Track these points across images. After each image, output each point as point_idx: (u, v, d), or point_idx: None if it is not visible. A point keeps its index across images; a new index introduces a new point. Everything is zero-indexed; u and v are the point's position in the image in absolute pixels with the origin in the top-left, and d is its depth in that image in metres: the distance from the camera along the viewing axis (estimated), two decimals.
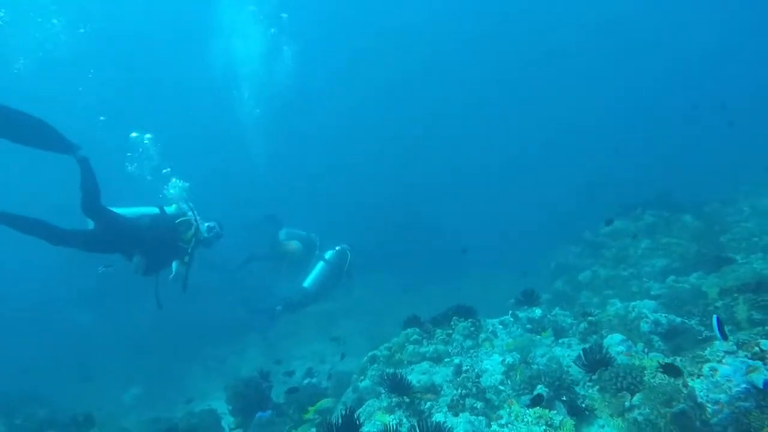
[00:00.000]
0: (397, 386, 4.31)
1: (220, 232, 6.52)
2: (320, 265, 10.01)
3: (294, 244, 10.14)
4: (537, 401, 3.70)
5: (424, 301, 17.08)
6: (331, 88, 28.58)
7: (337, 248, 10.34)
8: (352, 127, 29.72)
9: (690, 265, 8.73)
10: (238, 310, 17.29)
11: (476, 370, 4.81)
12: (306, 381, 8.09)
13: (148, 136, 7.73)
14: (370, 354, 6.27)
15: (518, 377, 4.48)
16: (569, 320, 6.24)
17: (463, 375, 4.69)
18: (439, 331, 6.24)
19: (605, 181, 20.99)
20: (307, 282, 9.80)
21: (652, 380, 3.41)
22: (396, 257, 19.00)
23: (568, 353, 5.18)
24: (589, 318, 5.39)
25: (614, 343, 4.57)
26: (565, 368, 4.66)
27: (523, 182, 26.56)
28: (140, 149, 7.77)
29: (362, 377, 6.03)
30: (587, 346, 5.08)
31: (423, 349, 5.65)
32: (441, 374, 5.07)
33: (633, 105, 31.91)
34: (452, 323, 6.16)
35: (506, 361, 5.12)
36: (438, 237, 20.94)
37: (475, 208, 24.98)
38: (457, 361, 5.42)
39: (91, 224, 5.32)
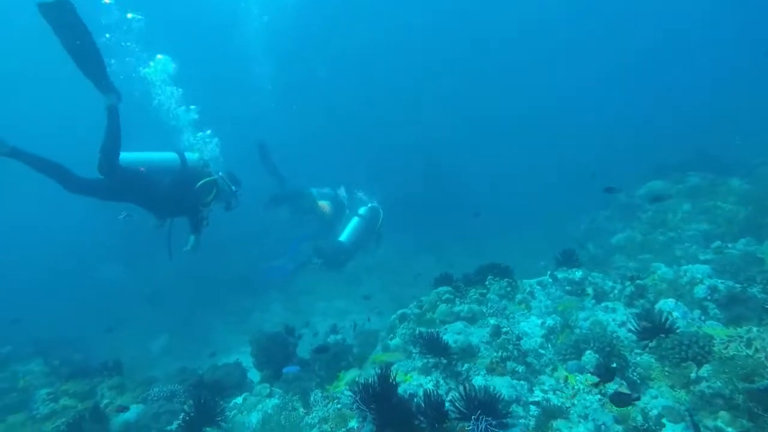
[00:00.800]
0: (434, 346, 4.09)
1: (239, 198, 6.18)
2: (354, 220, 9.74)
3: (325, 204, 9.82)
4: (605, 374, 3.27)
5: (445, 260, 16.95)
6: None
7: (369, 205, 10.04)
8: (374, 77, 28.64)
9: (737, 231, 8.22)
10: (259, 265, 17.46)
11: (516, 332, 4.55)
12: (330, 338, 7.99)
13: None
14: (399, 312, 6.07)
15: (561, 340, 4.21)
16: (610, 283, 5.91)
17: (503, 337, 4.44)
18: (472, 290, 5.99)
19: (636, 141, 19.99)
20: (344, 236, 9.53)
21: (724, 351, 3.09)
22: (417, 216, 18.68)
23: (612, 317, 4.89)
24: (637, 281, 5.04)
25: (666, 309, 4.24)
26: (611, 333, 4.37)
27: (549, 141, 25.56)
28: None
29: (391, 335, 5.86)
30: (636, 310, 4.78)
31: (456, 309, 5.41)
32: (477, 335, 4.84)
33: (667, 54, 29.87)
34: (487, 282, 5.89)
35: (546, 324, 4.86)
36: (461, 196, 20.45)
37: (499, 168, 24.28)
38: (493, 321, 5.18)
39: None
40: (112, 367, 6.59)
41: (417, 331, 4.84)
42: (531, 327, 5.02)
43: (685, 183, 10.49)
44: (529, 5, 26.87)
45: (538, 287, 5.75)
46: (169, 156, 5.57)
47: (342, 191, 10.45)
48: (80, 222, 18.49)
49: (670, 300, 4.29)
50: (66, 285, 16.17)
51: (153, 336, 14.44)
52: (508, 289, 5.68)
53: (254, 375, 7.15)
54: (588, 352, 3.75)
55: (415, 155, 23.25)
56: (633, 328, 4.01)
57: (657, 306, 4.34)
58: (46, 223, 21.35)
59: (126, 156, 5.13)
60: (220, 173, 5.88)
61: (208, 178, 5.59)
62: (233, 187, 6.00)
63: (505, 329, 4.63)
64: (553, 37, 29.06)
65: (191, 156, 5.73)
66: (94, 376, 6.39)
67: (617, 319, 4.82)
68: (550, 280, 5.78)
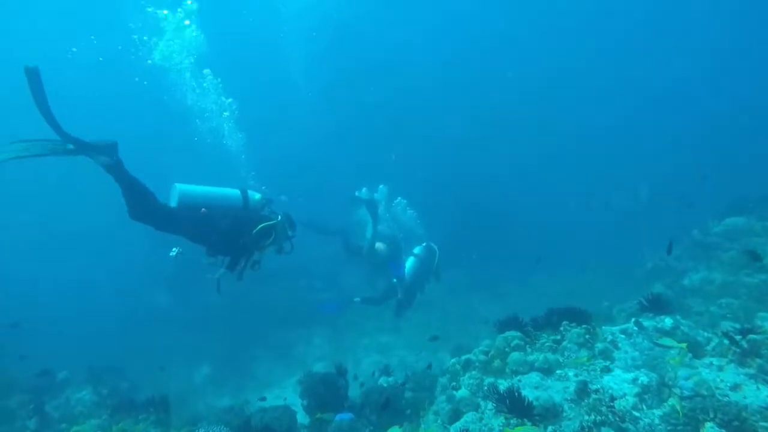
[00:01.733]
0: (516, 404, 3.56)
1: (293, 246, 5.87)
2: (411, 260, 9.38)
3: (380, 246, 9.52)
4: None
5: (496, 300, 16.18)
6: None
7: (423, 244, 9.62)
8: (421, 113, 28.63)
9: None
10: (307, 296, 17.26)
11: (609, 392, 3.94)
12: (382, 379, 7.52)
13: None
14: (463, 357, 5.55)
15: (673, 407, 3.57)
16: (704, 334, 5.19)
17: (594, 396, 3.84)
18: (543, 336, 5.41)
19: (708, 171, 18.67)
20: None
21: None
22: (468, 251, 18.06)
23: (720, 378, 4.19)
24: (750, 336, 4.32)
25: None
26: (737, 403, 3.69)
27: (606, 176, 24.47)
28: None
29: (454, 383, 5.33)
30: (751, 371, 4.08)
31: (530, 358, 4.84)
32: (557, 390, 4.26)
33: (736, 89, 28.17)
34: (561, 328, 5.30)
35: (640, 381, 4.21)
36: (513, 233, 19.67)
37: (553, 204, 23.36)
38: (572, 374, 4.59)
39: (174, 201, 4.92)
40: (158, 403, 6.36)
41: (488, 383, 4.34)
42: (617, 383, 4.38)
43: None
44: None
45: (622, 336, 5.10)
46: (232, 194, 5.33)
47: (398, 233, 10.11)
48: (134, 247, 19.16)
49: None
50: (117, 311, 16.56)
51: (196, 365, 14.38)
52: (587, 336, 5.07)
53: (303, 417, 6.76)
54: (709, 425, 3.12)
55: (465, 187, 22.85)
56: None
57: None
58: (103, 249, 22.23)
59: (189, 190, 4.96)
60: (279, 216, 5.61)
61: (267, 223, 5.34)
62: (289, 232, 5.73)
63: (594, 386, 4.03)
64: (614, 56, 28.09)
65: (253, 195, 5.48)
66: (140, 410, 6.18)
67: (727, 381, 4.12)
68: (636, 328, 5.12)
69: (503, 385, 4.64)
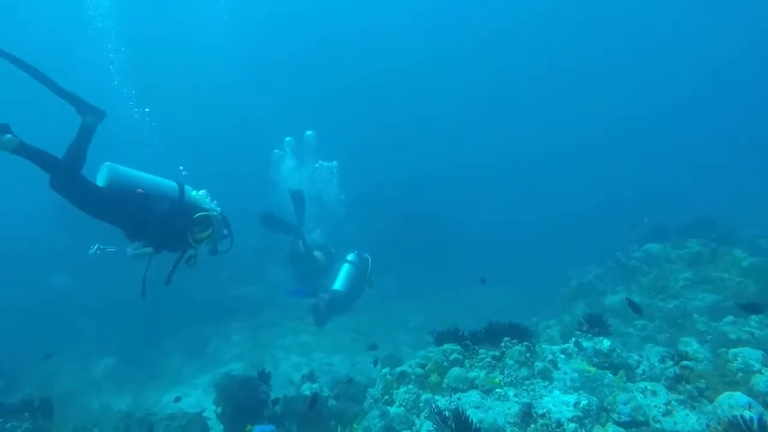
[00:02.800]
0: (462, 428, 3.25)
1: (231, 245, 5.51)
2: (346, 266, 9.09)
3: (318, 254, 9.18)
4: None
5: (427, 307, 16.15)
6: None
7: (355, 251, 9.36)
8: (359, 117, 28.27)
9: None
10: (228, 289, 16.21)
11: (555, 418, 3.75)
12: (305, 386, 6.99)
13: None
14: (397, 370, 5.19)
15: None
16: (635, 357, 5.24)
17: (540, 422, 3.64)
18: (482, 351, 5.21)
19: (628, 199, 20.03)
20: (338, 284, 8.89)
21: None
22: (399, 257, 17.87)
23: (654, 403, 4.17)
24: (684, 362, 4.36)
25: (737, 404, 3.55)
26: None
27: (537, 190, 25.53)
28: None
29: (387, 397, 4.97)
30: (681, 397, 4.09)
31: (471, 374, 4.59)
32: (500, 411, 4.02)
33: (670, 111, 30.16)
34: (503, 345, 5.11)
35: (581, 405, 4.09)
36: (446, 241, 19.82)
37: (483, 213, 23.92)
38: (512, 393, 4.41)
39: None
40: (37, 405, 5.35)
41: (425, 399, 4.02)
42: (556, 404, 4.24)
43: (686, 249, 10.16)
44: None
45: (562, 356, 5.01)
46: (167, 183, 4.88)
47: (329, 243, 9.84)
48: (26, 224, 16.99)
49: (740, 395, 3.60)
50: (6, 293, 14.51)
51: (96, 356, 12.98)
52: (528, 354, 4.92)
53: (215, 425, 6.08)
54: None
55: (398, 193, 22.69)
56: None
57: (722, 400, 3.65)
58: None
59: (120, 169, 4.46)
60: (217, 212, 5.17)
61: (205, 212, 4.92)
62: (225, 230, 5.32)
63: (540, 410, 3.83)
64: (547, 82, 29.45)
65: (190, 190, 5.06)
66: (10, 416, 5.10)
67: (659, 406, 4.11)
68: (575, 348, 5.06)
69: (441, 402, 4.35)
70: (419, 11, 26.31)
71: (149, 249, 4.41)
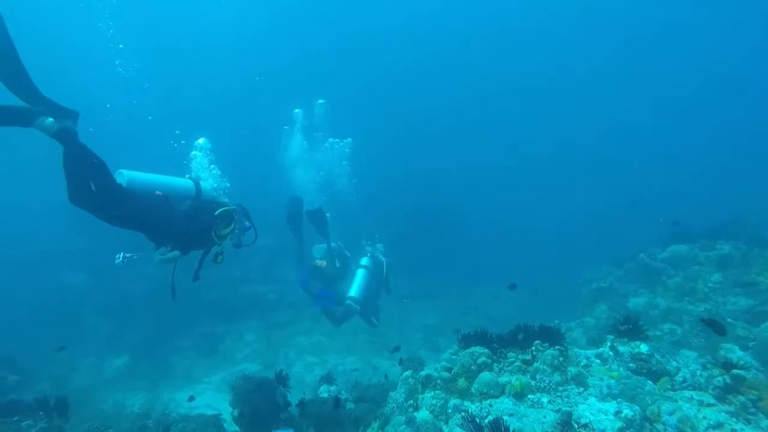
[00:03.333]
0: None
1: (256, 237, 5.39)
2: (360, 272, 8.88)
3: (322, 261, 9.03)
4: None
5: (434, 307, 15.88)
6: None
7: (368, 254, 9.18)
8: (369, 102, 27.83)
9: None
10: (241, 288, 16.09)
11: (599, 428, 3.50)
12: (322, 389, 6.79)
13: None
14: (422, 373, 4.97)
15: None
16: (674, 363, 4.96)
17: None
18: (510, 354, 4.97)
19: (645, 200, 19.55)
20: (353, 291, 8.69)
21: None
22: (408, 259, 17.61)
23: (703, 415, 3.89)
24: (735, 371, 4.07)
25: None
26: None
27: (551, 190, 25.08)
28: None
29: (412, 402, 4.75)
30: (732, 409, 3.80)
31: (502, 379, 4.35)
32: (535, 421, 3.78)
33: (690, 112, 29.39)
34: (533, 348, 4.86)
35: (623, 414, 3.83)
36: (455, 241, 19.50)
37: (495, 213, 23.53)
38: (545, 400, 4.16)
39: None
40: (53, 404, 5.22)
41: (454, 405, 3.79)
42: (594, 413, 3.98)
43: (715, 250, 9.78)
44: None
45: (597, 360, 4.75)
46: (183, 182, 4.73)
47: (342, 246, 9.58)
48: (41, 223, 16.98)
49: None
50: (20, 288, 14.51)
51: (109, 354, 12.93)
52: (561, 359, 4.66)
53: (230, 426, 5.90)
54: None
55: (410, 191, 22.42)
56: None
57: None
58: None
59: (136, 176, 4.23)
60: (235, 205, 5.07)
61: (226, 207, 4.79)
62: (247, 223, 5.20)
63: (582, 420, 3.58)
64: (564, 80, 28.85)
65: (205, 185, 4.92)
66: (25, 414, 4.97)
67: (710, 419, 3.83)
68: (611, 353, 4.79)
69: (472, 408, 4.12)
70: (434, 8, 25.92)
71: (177, 253, 4.25)
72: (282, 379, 5.69)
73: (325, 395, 6.52)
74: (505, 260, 18.34)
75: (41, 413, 5.05)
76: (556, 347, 4.75)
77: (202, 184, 4.92)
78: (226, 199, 5.09)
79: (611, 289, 12.13)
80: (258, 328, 14.52)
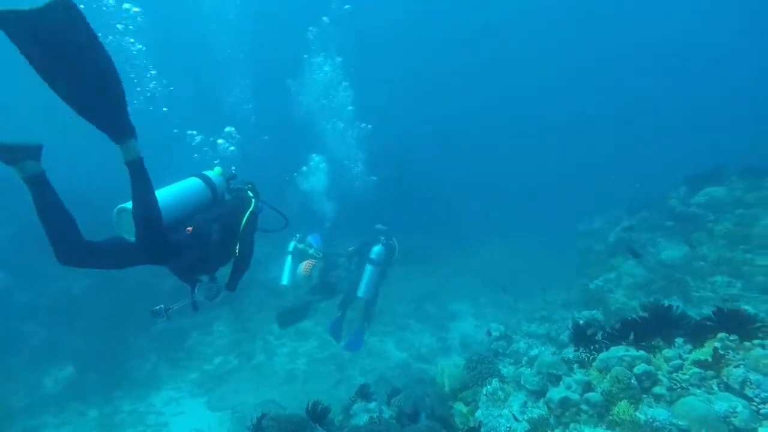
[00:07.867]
0: None
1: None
2: (369, 269, 8.33)
3: (309, 264, 8.48)
4: None
5: (435, 277, 14.45)
6: None
7: (382, 240, 8.46)
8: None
9: None
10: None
11: None
12: (357, 405, 4.98)
13: None
14: (556, 396, 3.25)
15: None
16: None
17: None
18: (668, 352, 3.36)
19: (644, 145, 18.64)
20: (361, 291, 8.24)
21: None
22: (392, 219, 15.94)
23: None
24: None
25: None
26: None
27: (541, 141, 23.83)
28: None
29: None
30: None
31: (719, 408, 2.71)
32: None
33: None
34: (718, 344, 3.25)
35: None
36: (444, 196, 17.91)
37: (487, 165, 21.95)
38: None
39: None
40: None
41: None
42: None
43: (766, 189, 8.70)
44: None
45: None
46: (194, 189, 3.59)
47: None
48: None
49: None
50: None
51: (49, 366, 10.70)
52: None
53: None
54: None
55: (389, 151, 20.42)
56: None
57: None
58: None
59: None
60: (251, 195, 4.10)
61: (249, 210, 3.83)
62: (259, 204, 4.18)
63: None
64: (563, 23, 26.93)
65: (215, 176, 3.82)
66: None
67: None
68: None
69: None
70: None
71: (223, 292, 3.66)
72: (318, 416, 3.82)
73: (365, 416, 4.73)
74: (498, 215, 17.10)
75: None
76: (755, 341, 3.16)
77: (212, 176, 3.80)
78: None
79: (632, 240, 11.00)
80: (227, 315, 12.57)
